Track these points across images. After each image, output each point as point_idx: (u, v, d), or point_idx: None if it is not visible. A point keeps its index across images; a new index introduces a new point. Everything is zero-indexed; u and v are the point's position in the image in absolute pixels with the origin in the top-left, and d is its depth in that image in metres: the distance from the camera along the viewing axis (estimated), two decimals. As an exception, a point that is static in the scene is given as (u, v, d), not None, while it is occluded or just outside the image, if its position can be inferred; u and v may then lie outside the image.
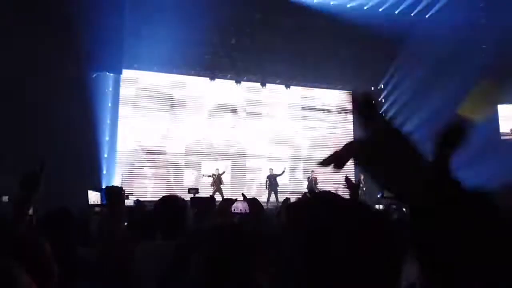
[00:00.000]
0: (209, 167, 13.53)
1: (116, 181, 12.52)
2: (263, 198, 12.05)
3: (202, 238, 1.74)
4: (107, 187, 2.03)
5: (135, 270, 2.04)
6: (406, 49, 12.78)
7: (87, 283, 1.81)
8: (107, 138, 12.77)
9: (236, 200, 2.63)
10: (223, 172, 13.13)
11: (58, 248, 1.93)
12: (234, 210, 2.64)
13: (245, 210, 2.99)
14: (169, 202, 2.29)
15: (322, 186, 13.56)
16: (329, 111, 16.01)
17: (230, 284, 1.54)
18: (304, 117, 15.62)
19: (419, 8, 13.11)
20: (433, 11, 13.02)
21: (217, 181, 12.79)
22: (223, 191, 12.43)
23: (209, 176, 13.02)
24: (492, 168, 11.48)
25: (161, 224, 2.21)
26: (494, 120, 14.11)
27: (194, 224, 2.73)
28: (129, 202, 4.33)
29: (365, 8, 13.03)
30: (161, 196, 2.36)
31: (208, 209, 2.59)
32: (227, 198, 2.49)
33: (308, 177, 13.82)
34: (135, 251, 2.08)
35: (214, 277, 1.56)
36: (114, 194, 1.98)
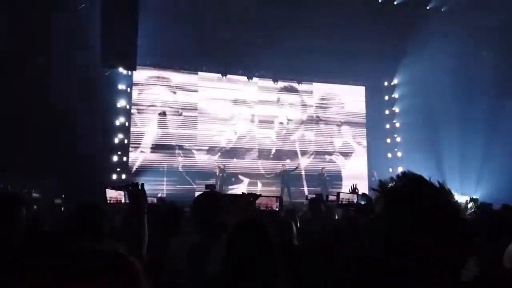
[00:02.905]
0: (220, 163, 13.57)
1: (128, 179, 12.61)
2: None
3: (228, 233, 1.71)
4: (130, 184, 2.00)
5: (170, 264, 2.01)
6: (420, 43, 12.57)
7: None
8: (120, 136, 12.82)
9: (260, 195, 2.57)
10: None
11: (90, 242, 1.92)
12: (259, 206, 2.58)
13: (269, 206, 2.92)
14: (208, 199, 2.26)
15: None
16: (341, 107, 15.90)
17: (251, 277, 1.51)
18: (316, 113, 15.53)
19: (434, 1, 12.87)
20: (449, 5, 12.76)
21: (221, 177, 12.82)
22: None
23: (218, 174, 13.01)
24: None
25: (200, 221, 2.17)
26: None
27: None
28: (150, 199, 4.32)
29: (379, 1, 12.83)
30: (175, 192, 2.35)
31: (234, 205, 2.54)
32: (251, 193, 2.43)
33: (319, 173, 14.00)
34: (170, 245, 2.06)
35: (237, 269, 1.53)
36: (137, 192, 1.95)
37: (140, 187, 1.93)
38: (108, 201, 2.37)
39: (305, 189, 14.29)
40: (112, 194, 2.38)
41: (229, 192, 11.73)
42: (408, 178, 0.93)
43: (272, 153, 14.70)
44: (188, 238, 2.18)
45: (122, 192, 2.22)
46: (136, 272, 0.90)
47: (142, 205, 1.89)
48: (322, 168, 14.15)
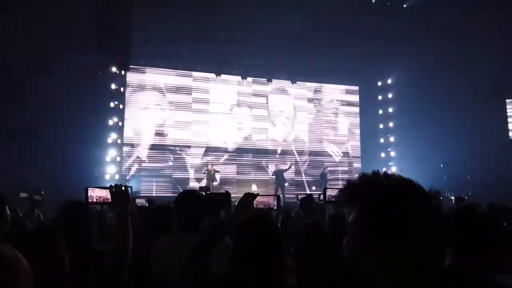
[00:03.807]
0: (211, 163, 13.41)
1: (121, 179, 12.58)
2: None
3: (234, 230, 1.71)
4: (112, 185, 2.01)
5: (154, 263, 2.02)
6: (414, 43, 12.64)
7: (104, 275, 1.77)
8: (115, 136, 12.74)
9: (258, 194, 2.58)
10: (215, 171, 12.85)
11: (74, 240, 1.91)
12: (256, 205, 2.59)
13: (267, 205, 2.92)
14: (188, 197, 2.29)
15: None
16: (335, 107, 15.95)
17: (256, 274, 1.51)
18: (310, 113, 15.57)
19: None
20: (443, 6, 12.78)
21: (209, 177, 12.57)
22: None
23: (203, 173, 12.82)
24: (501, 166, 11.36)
25: (180, 218, 2.20)
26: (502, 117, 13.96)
27: (212, 218, 2.71)
28: (139, 201, 4.31)
29: (373, 1, 12.87)
30: (167, 193, 2.37)
31: (225, 204, 2.55)
32: (249, 193, 2.45)
33: (322, 172, 13.97)
34: (154, 244, 2.07)
35: (242, 267, 1.53)
36: (119, 193, 1.96)
37: (123, 188, 1.94)
38: (94, 200, 2.36)
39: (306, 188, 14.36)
40: (100, 193, 2.37)
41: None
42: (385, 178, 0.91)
43: (267, 153, 14.69)
44: (173, 237, 2.19)
45: (108, 191, 2.22)
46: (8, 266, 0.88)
47: (125, 205, 1.90)
48: (325, 168, 14.13)
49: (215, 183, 12.72)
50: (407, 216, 0.84)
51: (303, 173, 14.91)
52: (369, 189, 0.89)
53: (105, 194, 2.23)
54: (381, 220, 0.85)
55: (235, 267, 1.56)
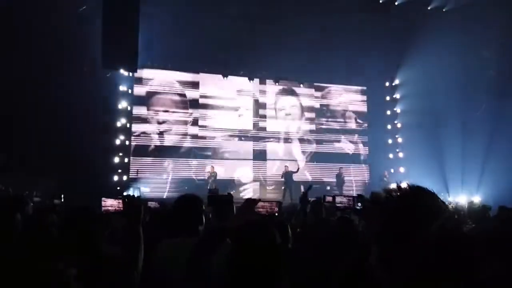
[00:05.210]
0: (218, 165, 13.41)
1: (129, 181, 12.66)
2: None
3: (232, 234, 1.71)
4: (126, 196, 2.05)
5: (158, 266, 2.04)
6: (421, 43, 12.56)
7: (112, 277, 1.80)
8: (122, 137, 12.79)
9: (260, 200, 2.57)
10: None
11: (82, 244, 1.93)
12: (259, 211, 2.58)
13: (269, 211, 2.93)
14: (187, 200, 2.32)
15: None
16: (342, 108, 15.89)
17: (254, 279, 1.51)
18: (317, 113, 15.52)
19: (436, 2, 12.83)
20: (450, 5, 12.71)
21: (212, 179, 12.53)
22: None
23: (208, 177, 12.77)
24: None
25: (180, 222, 2.22)
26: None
27: (214, 222, 2.72)
28: (152, 203, 4.33)
29: (380, 1, 12.80)
30: (176, 195, 2.40)
31: (227, 207, 2.56)
32: (251, 198, 2.45)
33: (337, 174, 13.96)
34: (158, 248, 2.09)
35: (240, 273, 1.53)
36: (132, 205, 1.98)
37: (136, 199, 1.97)
38: (107, 209, 2.39)
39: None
40: (110, 202, 2.39)
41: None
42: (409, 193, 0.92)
43: (272, 154, 14.66)
44: (174, 240, 2.20)
45: (121, 201, 2.25)
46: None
47: (137, 216, 1.92)
48: (340, 168, 14.06)
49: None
50: (426, 221, 0.84)
51: (313, 174, 14.84)
52: (391, 199, 0.91)
53: (116, 203, 2.26)
54: (400, 227, 0.85)
55: (232, 272, 1.56)
